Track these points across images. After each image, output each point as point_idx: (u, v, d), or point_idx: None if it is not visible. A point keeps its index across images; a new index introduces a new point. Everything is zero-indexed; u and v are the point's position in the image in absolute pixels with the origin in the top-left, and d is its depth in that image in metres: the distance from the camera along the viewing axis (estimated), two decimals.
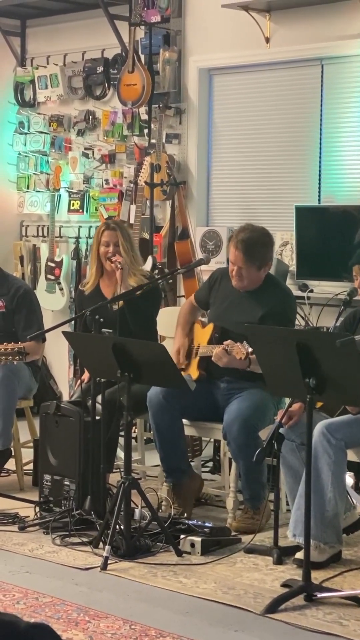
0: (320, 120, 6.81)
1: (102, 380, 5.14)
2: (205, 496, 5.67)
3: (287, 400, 4.81)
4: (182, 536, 4.84)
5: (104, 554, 4.59)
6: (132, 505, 4.82)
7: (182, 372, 5.25)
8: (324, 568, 4.56)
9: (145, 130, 7.62)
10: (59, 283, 8.02)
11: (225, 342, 5.09)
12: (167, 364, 4.72)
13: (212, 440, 6.29)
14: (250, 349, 4.85)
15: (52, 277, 8.05)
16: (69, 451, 5.19)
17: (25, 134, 8.45)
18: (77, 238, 8.09)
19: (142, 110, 7.60)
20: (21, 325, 5.93)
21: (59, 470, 5.24)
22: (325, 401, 4.68)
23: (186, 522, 4.97)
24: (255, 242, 5.20)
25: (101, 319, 5.11)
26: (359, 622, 4.00)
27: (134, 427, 6.03)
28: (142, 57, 7.51)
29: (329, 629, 3.94)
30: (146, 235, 7.24)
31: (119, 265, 5.54)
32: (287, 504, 5.15)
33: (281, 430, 4.63)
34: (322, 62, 6.80)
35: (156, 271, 6.92)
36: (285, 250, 6.80)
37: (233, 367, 5.12)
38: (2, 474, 6.05)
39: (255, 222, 6.92)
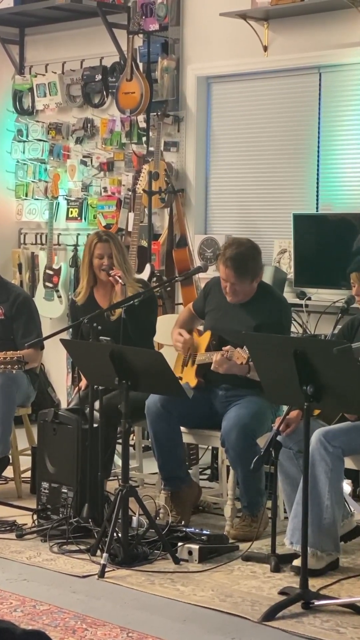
0: (318, 128, 6.82)
1: (100, 387, 5.15)
2: (203, 504, 5.66)
3: (285, 408, 4.81)
4: (179, 544, 4.83)
5: (102, 561, 4.59)
6: (130, 512, 4.82)
7: (180, 380, 5.25)
8: (321, 576, 4.56)
9: (144, 138, 7.62)
10: (57, 291, 8.02)
11: (224, 348, 5.10)
12: (165, 372, 4.72)
13: (209, 447, 6.29)
14: None
15: (51, 285, 8.05)
16: (67, 459, 5.19)
17: (24, 141, 8.45)
18: (76, 246, 8.09)
19: (141, 118, 7.61)
20: (20, 332, 5.94)
21: (57, 477, 5.24)
22: (323, 409, 4.68)
23: (184, 529, 4.96)
24: (244, 257, 5.18)
25: (99, 327, 5.11)
26: (356, 629, 4.01)
27: (131, 435, 6.03)
28: (141, 65, 7.53)
29: (326, 636, 3.94)
30: (144, 243, 7.25)
31: (119, 280, 5.52)
32: (285, 512, 5.15)
33: (279, 437, 4.63)
34: (320, 70, 6.81)
35: (154, 279, 6.92)
36: (283, 257, 6.81)
37: (232, 374, 5.12)
38: (0, 482, 6.06)
39: (253, 230, 7.01)
